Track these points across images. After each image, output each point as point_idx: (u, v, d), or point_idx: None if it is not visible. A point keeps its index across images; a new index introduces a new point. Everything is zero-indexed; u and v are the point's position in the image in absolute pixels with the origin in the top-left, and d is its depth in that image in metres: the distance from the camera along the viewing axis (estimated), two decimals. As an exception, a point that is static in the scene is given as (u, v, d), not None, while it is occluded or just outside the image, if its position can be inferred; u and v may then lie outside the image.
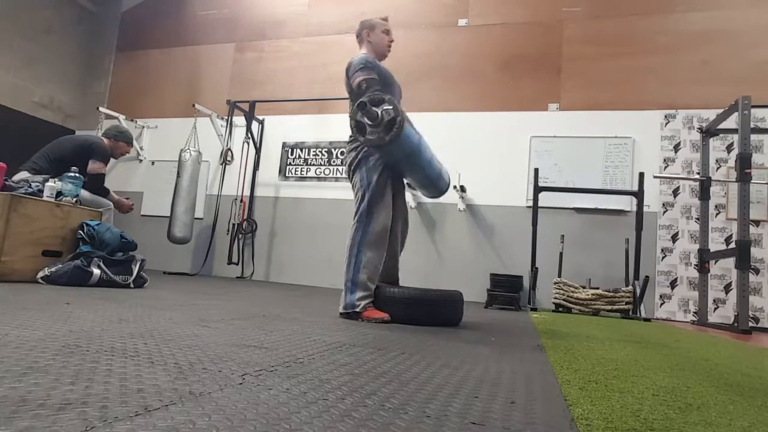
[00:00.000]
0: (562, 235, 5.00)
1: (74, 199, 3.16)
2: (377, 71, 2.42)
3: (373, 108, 2.12)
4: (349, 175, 2.51)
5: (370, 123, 2.13)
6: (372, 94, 2.17)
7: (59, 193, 3.10)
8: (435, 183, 2.62)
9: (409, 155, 2.33)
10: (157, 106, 7.04)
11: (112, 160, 4.10)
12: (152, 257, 5.38)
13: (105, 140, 3.96)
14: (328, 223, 5.88)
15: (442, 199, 5.57)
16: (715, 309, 4.76)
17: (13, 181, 3.04)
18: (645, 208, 4.73)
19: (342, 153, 6.08)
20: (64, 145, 3.78)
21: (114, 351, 1.06)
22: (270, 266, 6.17)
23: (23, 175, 3.40)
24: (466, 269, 5.38)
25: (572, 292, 4.58)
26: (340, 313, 2.34)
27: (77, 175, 3.28)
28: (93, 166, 3.74)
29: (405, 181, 2.67)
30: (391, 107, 2.13)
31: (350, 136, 2.47)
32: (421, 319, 2.30)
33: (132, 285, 2.98)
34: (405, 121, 2.15)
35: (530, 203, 4.99)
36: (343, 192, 5.98)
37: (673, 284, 4.94)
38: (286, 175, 6.32)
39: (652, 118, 5.20)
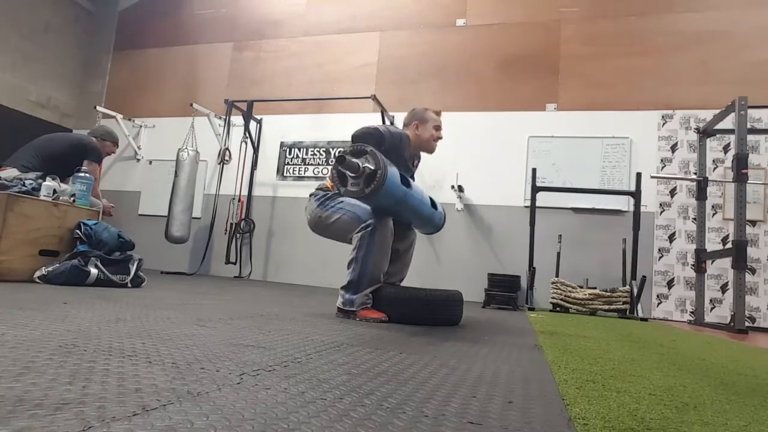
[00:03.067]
0: (560, 235, 5.01)
1: (71, 198, 3.15)
2: (389, 144, 2.32)
3: (354, 159, 2.07)
4: (315, 228, 2.47)
5: (352, 175, 2.09)
6: (353, 146, 2.14)
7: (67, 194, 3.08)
8: (428, 222, 2.56)
9: (398, 202, 2.27)
10: (154, 105, 7.03)
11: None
12: (150, 257, 5.36)
13: (94, 140, 3.93)
14: (325, 222, 5.87)
15: (441, 199, 5.61)
16: (712, 309, 4.78)
17: (4, 179, 3.00)
18: (642, 208, 4.75)
19: (341, 152, 6.07)
20: (58, 143, 3.71)
21: (111, 351, 1.06)
22: (268, 266, 6.16)
23: (13, 172, 3.28)
24: (464, 269, 5.39)
25: (570, 291, 4.59)
26: (338, 309, 2.34)
27: (87, 175, 3.26)
28: (90, 167, 3.70)
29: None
30: (371, 159, 2.09)
31: (311, 194, 2.48)
32: (420, 319, 2.30)
33: (129, 284, 2.97)
34: (386, 173, 2.08)
35: (528, 203, 5.00)
36: (341, 192, 5.98)
37: (670, 284, 4.96)
38: (284, 174, 6.31)
39: (649, 119, 5.22)
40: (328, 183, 2.50)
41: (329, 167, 6.10)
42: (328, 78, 6.30)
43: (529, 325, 2.86)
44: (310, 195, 2.53)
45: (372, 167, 2.08)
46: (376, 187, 2.06)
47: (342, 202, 2.39)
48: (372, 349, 1.44)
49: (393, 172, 2.17)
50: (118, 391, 0.75)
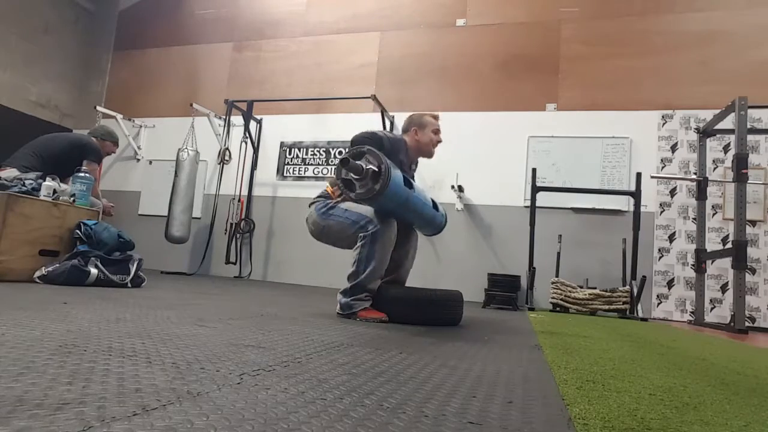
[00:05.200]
0: (560, 235, 5.01)
1: (71, 198, 3.14)
2: (387, 149, 2.32)
3: (356, 162, 2.07)
4: (318, 237, 2.46)
5: (356, 177, 2.09)
6: (351, 150, 2.14)
7: (64, 194, 3.07)
8: (431, 223, 2.57)
9: (402, 204, 2.27)
10: (154, 105, 7.03)
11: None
12: (150, 257, 5.36)
13: (93, 140, 3.93)
14: (325, 222, 5.87)
15: (441, 199, 5.61)
16: (712, 309, 4.78)
17: (4, 179, 2.99)
18: (642, 208, 4.75)
19: (340, 153, 6.08)
20: (58, 142, 3.70)
21: (111, 351, 1.06)
22: (268, 266, 6.16)
23: (13, 172, 3.27)
24: (464, 269, 5.39)
25: (570, 291, 4.59)
26: (338, 313, 2.34)
27: (87, 175, 3.25)
28: (90, 167, 3.70)
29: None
30: (372, 158, 2.09)
31: (312, 203, 2.47)
32: (421, 320, 2.30)
33: (129, 284, 2.97)
34: (390, 170, 2.09)
35: (528, 203, 5.00)
36: (341, 192, 5.98)
37: (670, 284, 4.96)
38: (284, 174, 6.31)
39: (649, 119, 5.22)
40: (328, 188, 2.49)
41: (329, 167, 6.10)
42: (328, 78, 6.30)
43: (529, 325, 2.86)
44: (311, 204, 2.52)
45: (375, 166, 2.08)
46: (384, 184, 2.05)
47: (344, 210, 2.37)
48: (372, 349, 1.44)
49: (396, 172, 2.17)
50: (118, 391, 0.75)
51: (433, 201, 2.55)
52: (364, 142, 2.26)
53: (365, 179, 2.09)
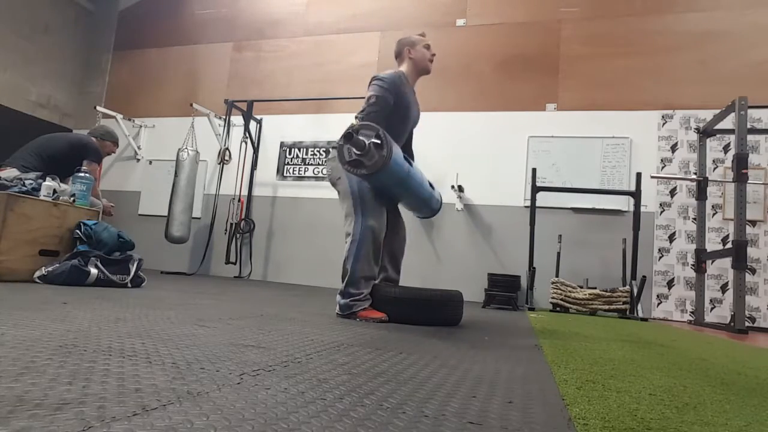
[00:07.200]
0: (560, 235, 5.01)
1: (71, 198, 3.14)
2: (397, 95, 2.38)
3: (360, 138, 2.08)
4: (333, 185, 2.48)
5: (358, 153, 2.09)
6: (358, 125, 2.14)
7: (64, 194, 3.07)
8: (427, 204, 2.59)
9: (400, 181, 2.28)
10: (154, 105, 7.03)
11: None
12: (150, 257, 5.36)
13: (93, 140, 3.93)
14: (325, 222, 5.88)
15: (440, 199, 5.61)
16: (712, 309, 4.77)
17: (4, 179, 2.99)
18: (642, 208, 4.75)
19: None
20: (58, 143, 3.70)
21: (111, 351, 1.06)
22: (268, 266, 6.16)
23: (13, 172, 3.26)
24: (464, 269, 5.39)
25: (569, 291, 4.59)
26: (337, 314, 2.34)
27: (87, 175, 3.25)
28: (90, 167, 3.70)
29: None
30: (368, 131, 2.10)
31: (333, 147, 2.47)
32: (421, 320, 2.30)
33: (129, 284, 2.97)
34: (393, 144, 2.11)
35: (528, 203, 5.00)
36: (341, 192, 5.98)
37: (670, 284, 4.95)
38: (284, 174, 6.31)
39: (649, 119, 5.22)
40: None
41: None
42: (328, 78, 6.30)
43: (529, 325, 2.86)
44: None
45: (375, 138, 2.08)
46: (389, 149, 2.06)
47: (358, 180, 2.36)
48: (372, 349, 1.44)
49: (397, 149, 2.18)
50: (118, 391, 0.75)
51: (429, 182, 2.56)
52: (379, 101, 2.30)
53: (369, 152, 2.08)
